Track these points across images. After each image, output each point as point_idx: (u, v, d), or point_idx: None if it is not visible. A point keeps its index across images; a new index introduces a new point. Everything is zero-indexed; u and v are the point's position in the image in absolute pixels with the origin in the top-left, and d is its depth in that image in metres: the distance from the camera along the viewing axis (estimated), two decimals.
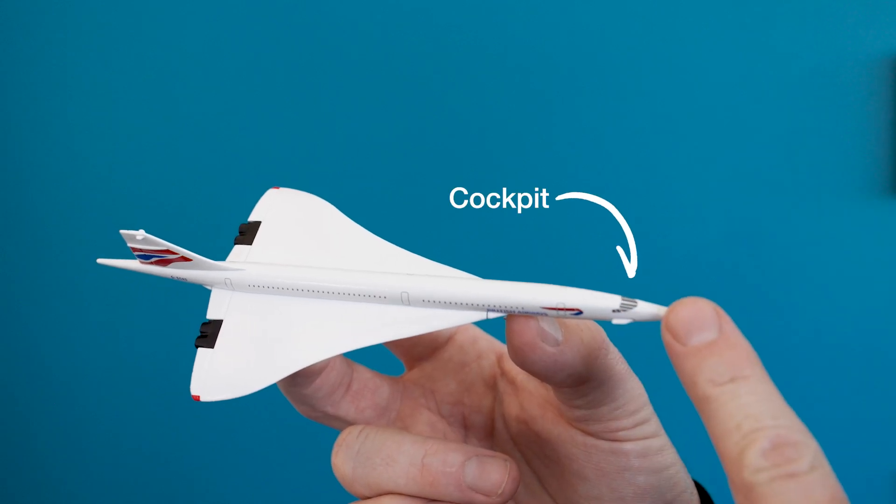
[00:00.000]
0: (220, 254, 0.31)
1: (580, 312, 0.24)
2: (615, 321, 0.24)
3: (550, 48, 0.84)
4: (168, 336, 0.99)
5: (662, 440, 0.29)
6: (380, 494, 0.27)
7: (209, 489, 1.04)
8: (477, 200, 0.87)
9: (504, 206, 0.87)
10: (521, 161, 0.86)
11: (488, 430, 0.33)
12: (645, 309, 0.24)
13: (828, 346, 0.83)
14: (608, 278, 0.85)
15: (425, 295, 0.26)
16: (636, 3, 0.81)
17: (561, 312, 0.25)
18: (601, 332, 0.27)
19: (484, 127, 0.87)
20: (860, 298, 0.82)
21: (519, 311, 0.25)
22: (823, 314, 0.83)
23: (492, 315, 0.26)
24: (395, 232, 0.33)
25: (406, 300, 0.27)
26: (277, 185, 0.32)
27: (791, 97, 0.79)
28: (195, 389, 0.27)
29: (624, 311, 0.24)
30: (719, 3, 0.79)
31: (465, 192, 0.86)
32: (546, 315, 0.25)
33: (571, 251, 0.87)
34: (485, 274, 0.27)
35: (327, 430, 0.32)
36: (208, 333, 0.28)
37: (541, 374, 0.26)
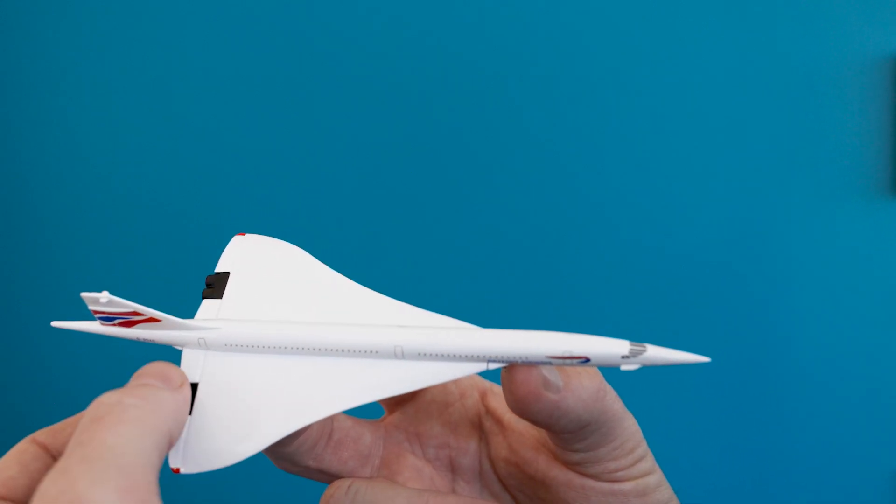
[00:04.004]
0: (186, 308, 0.29)
1: (587, 360, 0.23)
2: (623, 367, 0.23)
3: (551, 48, 0.83)
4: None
5: (658, 476, 0.28)
6: None
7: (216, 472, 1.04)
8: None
9: (488, 222, 0.86)
10: (519, 166, 0.85)
11: (476, 472, 0.32)
12: (655, 353, 0.23)
13: (828, 346, 0.83)
14: (596, 296, 0.85)
15: (421, 348, 0.25)
16: (636, 3, 0.80)
17: (567, 361, 0.24)
18: (598, 373, 0.26)
19: (471, 143, 0.86)
20: (860, 298, 0.81)
21: (522, 361, 0.24)
22: (823, 314, 0.82)
23: (493, 366, 0.25)
24: (371, 278, 0.32)
25: (400, 354, 0.25)
26: (242, 230, 0.31)
27: (791, 97, 0.79)
28: (174, 462, 0.25)
29: (633, 356, 0.23)
30: (719, 3, 0.78)
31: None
32: (551, 364, 0.24)
33: (555, 271, 0.86)
34: (466, 304, 0.26)
35: (307, 481, 0.31)
36: None
37: (542, 422, 0.26)
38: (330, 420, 0.30)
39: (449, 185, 0.86)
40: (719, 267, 0.83)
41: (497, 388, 0.32)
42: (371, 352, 0.25)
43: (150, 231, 0.94)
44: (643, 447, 0.28)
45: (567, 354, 0.23)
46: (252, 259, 0.29)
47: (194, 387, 0.26)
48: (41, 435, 0.26)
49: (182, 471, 0.25)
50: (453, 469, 0.32)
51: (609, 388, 0.26)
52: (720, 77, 0.80)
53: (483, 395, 0.32)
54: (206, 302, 0.29)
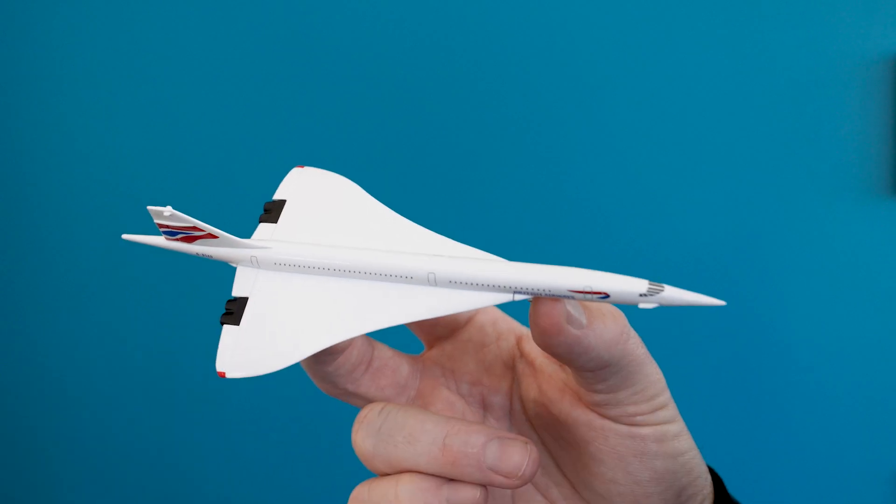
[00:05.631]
0: (246, 232, 0.31)
1: (607, 296, 0.24)
2: (641, 305, 0.24)
3: (554, 46, 0.84)
4: (170, 334, 0.99)
5: (679, 426, 0.29)
6: (400, 472, 0.27)
7: (220, 469, 1.03)
8: (493, 183, 0.87)
9: (515, 192, 0.87)
10: (524, 155, 0.86)
11: (506, 410, 0.33)
12: (672, 294, 0.24)
13: (827, 347, 0.83)
14: (618, 263, 0.86)
15: (452, 276, 0.27)
16: (636, 2, 0.81)
17: (588, 296, 0.25)
18: (622, 317, 0.27)
19: (495, 118, 0.87)
20: (860, 298, 0.82)
21: (545, 294, 0.25)
22: (823, 314, 0.83)
23: (518, 297, 0.26)
24: (417, 213, 0.34)
25: (433, 281, 0.27)
26: (302, 163, 0.33)
27: (790, 97, 0.79)
28: (221, 366, 0.28)
29: (651, 295, 0.24)
30: (718, 3, 0.79)
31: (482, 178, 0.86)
32: (573, 298, 0.25)
33: (581, 237, 0.87)
34: (503, 255, 0.27)
35: (346, 406, 0.32)
36: (234, 311, 0.29)
37: (563, 356, 0.27)
38: (371, 348, 0.31)
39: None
40: (718, 267, 0.84)
41: None
42: (407, 277, 0.27)
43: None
44: (665, 396, 0.29)
45: (587, 289, 0.25)
46: (308, 190, 0.32)
47: (245, 300, 0.29)
48: None
49: (227, 375, 0.28)
50: (485, 406, 0.33)
51: (633, 332, 0.28)
52: (721, 77, 0.81)
53: (519, 340, 0.33)
54: (262, 225, 0.31)
